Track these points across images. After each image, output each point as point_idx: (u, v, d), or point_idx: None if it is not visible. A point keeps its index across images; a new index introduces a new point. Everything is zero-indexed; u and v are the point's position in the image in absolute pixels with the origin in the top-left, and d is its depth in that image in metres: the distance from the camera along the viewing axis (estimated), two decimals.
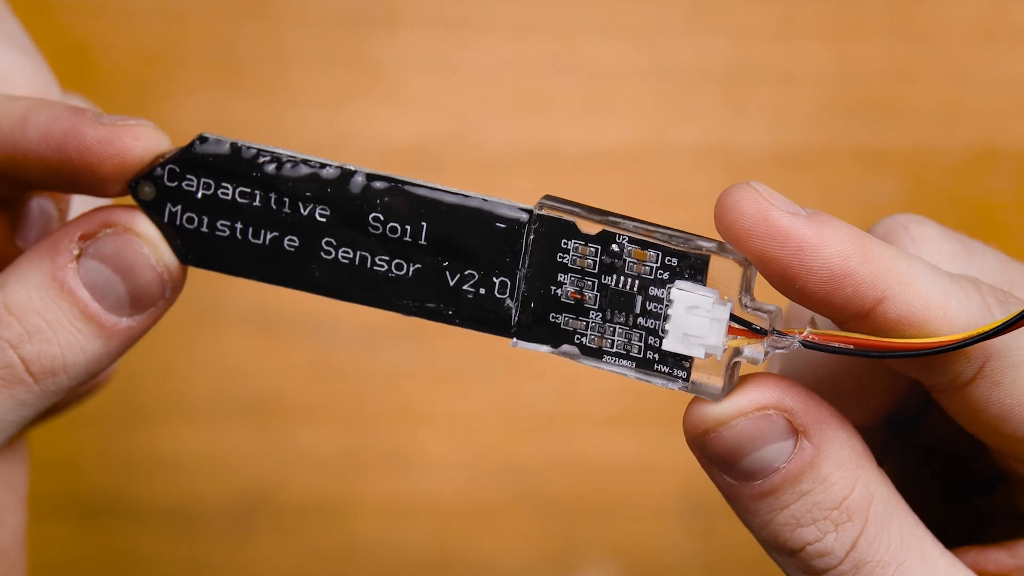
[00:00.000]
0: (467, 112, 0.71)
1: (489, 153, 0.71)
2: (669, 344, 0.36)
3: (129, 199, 0.37)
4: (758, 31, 0.71)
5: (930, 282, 0.36)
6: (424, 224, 0.37)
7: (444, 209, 0.37)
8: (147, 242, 0.36)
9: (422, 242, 0.37)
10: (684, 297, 0.36)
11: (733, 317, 0.36)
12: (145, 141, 0.36)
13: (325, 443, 0.70)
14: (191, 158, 0.36)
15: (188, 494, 0.69)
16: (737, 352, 0.36)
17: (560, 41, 0.71)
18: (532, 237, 0.36)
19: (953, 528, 0.41)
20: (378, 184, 0.37)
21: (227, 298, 0.69)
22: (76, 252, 0.35)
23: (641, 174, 0.71)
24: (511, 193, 0.70)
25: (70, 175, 0.36)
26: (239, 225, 0.37)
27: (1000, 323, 0.35)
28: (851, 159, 0.71)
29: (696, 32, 0.71)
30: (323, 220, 0.37)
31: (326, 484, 0.70)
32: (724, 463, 0.36)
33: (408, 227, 0.37)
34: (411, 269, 0.37)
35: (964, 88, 0.71)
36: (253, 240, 0.37)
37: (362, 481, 0.70)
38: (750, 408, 0.36)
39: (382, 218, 0.37)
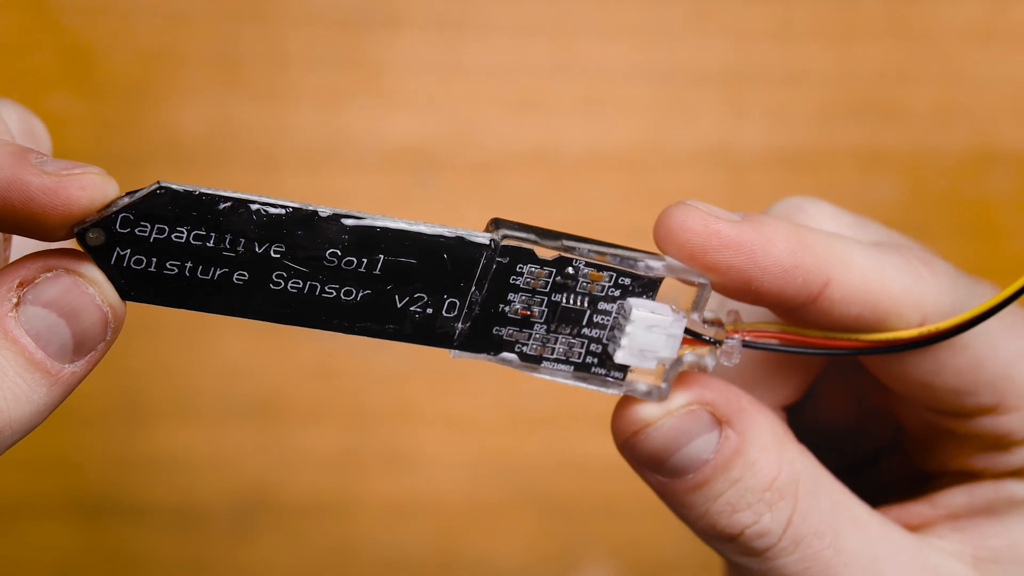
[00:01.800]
0: (467, 113, 0.71)
1: (489, 153, 0.71)
2: (622, 357, 0.37)
3: (72, 242, 0.35)
4: (757, 32, 0.71)
5: (864, 258, 0.38)
6: (381, 257, 0.37)
7: (405, 243, 0.37)
8: (91, 283, 0.34)
9: (376, 272, 0.37)
10: (644, 317, 0.37)
11: (686, 330, 0.37)
12: (91, 191, 0.34)
13: (325, 443, 0.70)
14: (147, 206, 0.35)
15: (189, 494, 0.69)
16: (680, 360, 0.37)
17: (560, 42, 0.71)
18: (490, 264, 0.37)
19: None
20: (336, 224, 0.36)
21: None
22: (15, 300, 0.34)
23: (641, 175, 0.71)
24: (511, 194, 0.71)
25: (12, 222, 0.34)
26: (189, 264, 0.36)
27: (945, 329, 0.38)
28: (850, 159, 0.71)
29: (696, 33, 0.71)
30: (277, 256, 0.36)
31: (326, 484, 0.70)
32: (654, 463, 0.37)
33: (364, 260, 0.37)
34: (360, 295, 0.37)
35: (962, 89, 0.71)
36: (202, 276, 0.36)
37: (362, 481, 0.70)
38: (675, 407, 0.37)
39: (339, 253, 0.37)
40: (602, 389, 0.38)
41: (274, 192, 0.37)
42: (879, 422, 0.44)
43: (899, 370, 0.40)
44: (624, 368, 0.37)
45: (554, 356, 0.37)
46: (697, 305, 0.37)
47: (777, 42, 0.71)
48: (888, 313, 0.38)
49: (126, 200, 0.35)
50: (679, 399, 0.37)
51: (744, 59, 0.71)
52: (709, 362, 0.38)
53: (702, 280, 0.37)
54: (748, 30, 0.71)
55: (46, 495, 0.69)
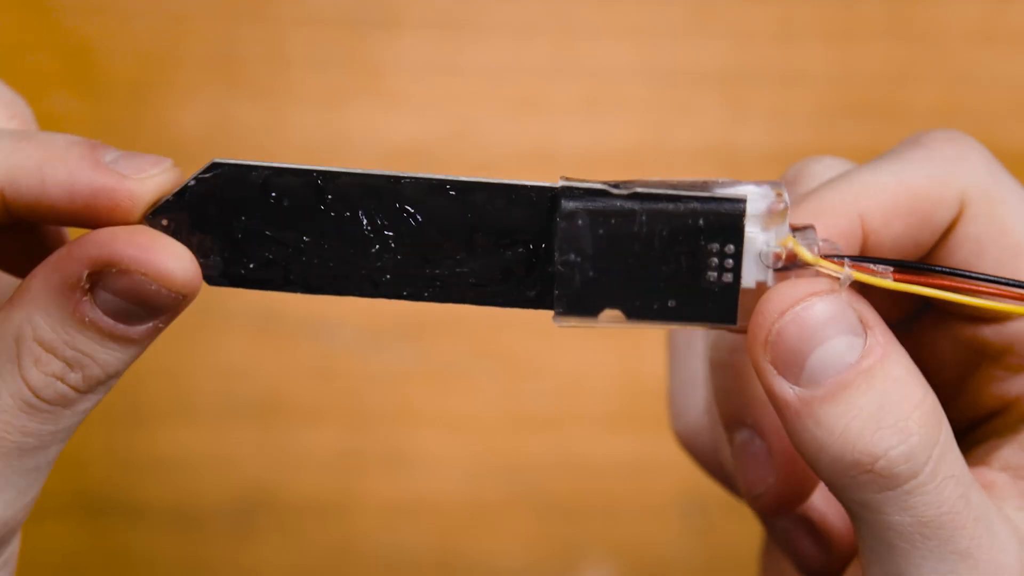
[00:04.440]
0: (467, 113, 0.71)
1: (489, 154, 0.71)
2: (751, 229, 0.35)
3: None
4: (757, 33, 0.71)
5: (885, 175, 0.38)
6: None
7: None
8: (155, 278, 0.36)
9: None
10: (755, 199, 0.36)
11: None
12: (167, 186, 0.36)
13: (325, 443, 0.70)
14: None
15: (189, 494, 0.70)
16: (793, 259, 0.36)
17: (560, 42, 0.71)
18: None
19: None
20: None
21: (229, 299, 0.69)
22: (88, 286, 0.35)
23: (641, 175, 0.71)
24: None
25: (91, 221, 0.36)
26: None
27: None
28: (850, 159, 0.71)
29: (696, 34, 0.71)
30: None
31: (326, 484, 0.70)
32: (794, 361, 0.35)
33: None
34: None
35: (962, 89, 0.71)
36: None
37: (362, 481, 0.70)
38: (822, 289, 0.35)
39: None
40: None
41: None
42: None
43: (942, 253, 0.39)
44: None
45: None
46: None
47: (777, 42, 0.71)
48: (929, 210, 0.38)
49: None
50: (824, 282, 0.35)
51: (744, 59, 0.71)
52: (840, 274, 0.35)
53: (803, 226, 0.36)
54: (748, 30, 0.71)
55: (47, 494, 0.69)
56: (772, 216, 0.36)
